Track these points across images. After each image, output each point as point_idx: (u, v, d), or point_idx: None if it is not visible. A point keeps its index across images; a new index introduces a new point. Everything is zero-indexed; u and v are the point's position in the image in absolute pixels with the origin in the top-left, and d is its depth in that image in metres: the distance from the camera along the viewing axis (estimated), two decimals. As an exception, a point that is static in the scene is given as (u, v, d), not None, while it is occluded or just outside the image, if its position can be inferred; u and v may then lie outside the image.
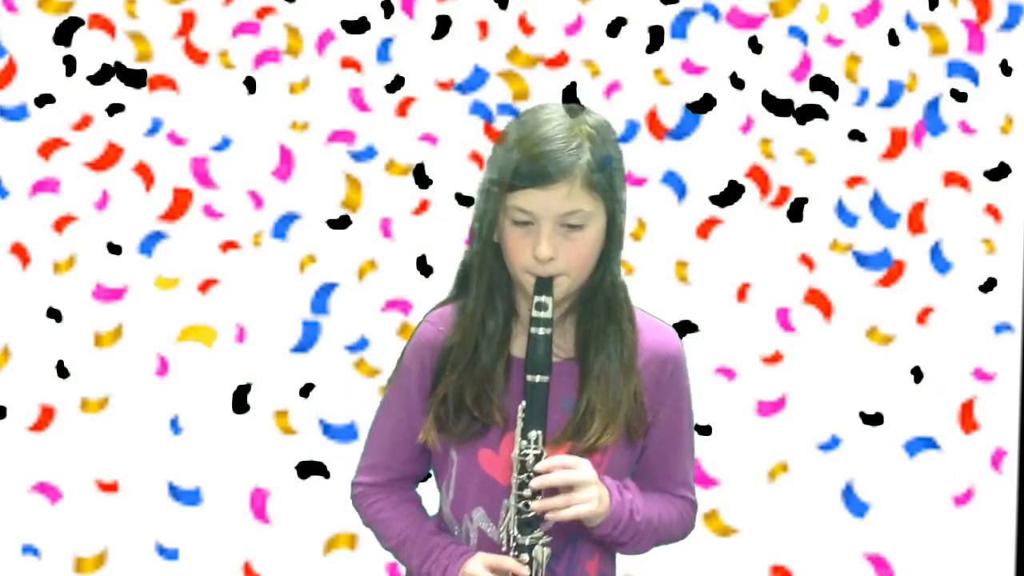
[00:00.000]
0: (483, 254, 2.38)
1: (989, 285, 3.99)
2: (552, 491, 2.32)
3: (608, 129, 2.37)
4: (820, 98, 3.97)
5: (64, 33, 3.91)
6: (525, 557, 2.31)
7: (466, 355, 2.38)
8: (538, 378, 2.30)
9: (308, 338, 3.94)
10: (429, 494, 2.52)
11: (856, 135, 3.98)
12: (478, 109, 3.89)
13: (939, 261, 3.98)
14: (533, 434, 2.30)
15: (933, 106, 3.98)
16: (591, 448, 2.36)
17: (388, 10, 3.95)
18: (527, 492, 2.30)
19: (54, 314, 3.92)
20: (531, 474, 2.29)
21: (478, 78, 3.94)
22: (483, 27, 3.95)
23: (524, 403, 2.31)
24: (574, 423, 2.36)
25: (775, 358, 3.97)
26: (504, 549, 2.33)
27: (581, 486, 2.31)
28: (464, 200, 3.86)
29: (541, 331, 2.30)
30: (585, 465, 2.33)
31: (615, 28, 3.96)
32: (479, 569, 2.33)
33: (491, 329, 2.38)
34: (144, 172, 3.93)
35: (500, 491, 2.36)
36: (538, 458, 2.30)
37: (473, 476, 2.39)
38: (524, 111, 2.41)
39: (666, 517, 2.45)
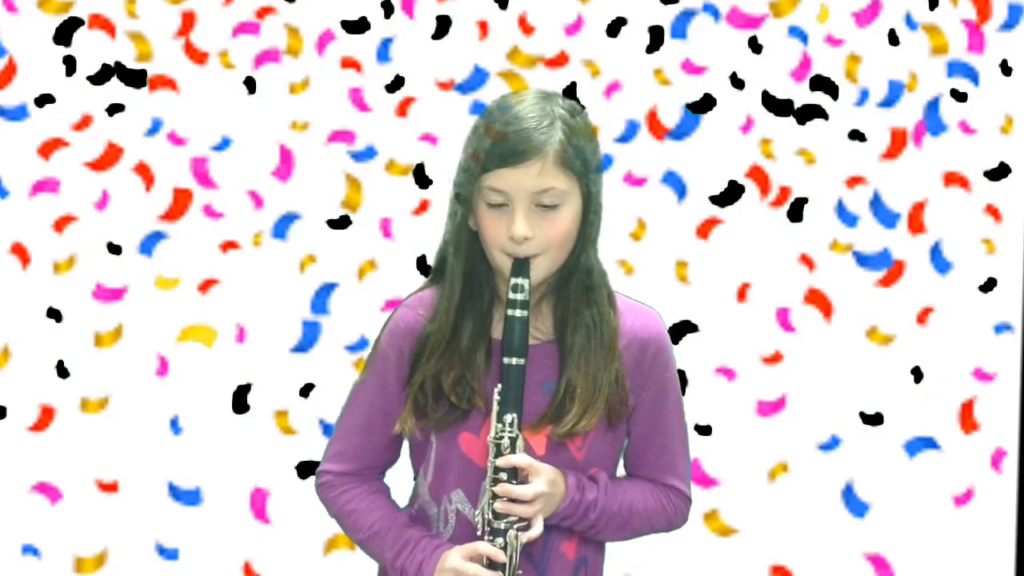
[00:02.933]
0: (459, 238, 2.37)
1: (989, 285, 3.99)
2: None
3: (580, 112, 2.36)
4: (820, 98, 3.97)
5: (64, 33, 3.92)
6: (500, 541, 2.30)
7: (444, 340, 2.36)
8: (514, 361, 2.29)
9: (308, 338, 3.94)
10: (399, 483, 2.50)
11: (856, 135, 3.98)
12: (478, 109, 3.89)
13: (939, 261, 3.98)
14: (509, 417, 2.28)
15: (933, 106, 3.98)
16: (570, 433, 2.35)
17: (388, 10, 3.95)
18: (503, 475, 2.30)
19: (54, 314, 3.92)
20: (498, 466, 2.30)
21: (478, 78, 3.94)
22: (483, 27, 3.96)
23: (500, 386, 2.30)
24: (553, 406, 2.35)
25: (775, 358, 3.97)
26: (479, 532, 2.31)
27: (534, 499, 2.31)
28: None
29: (518, 313, 2.29)
30: (541, 474, 2.32)
31: (615, 28, 3.97)
32: (458, 561, 2.31)
33: (470, 314, 2.37)
34: (144, 172, 3.93)
35: (480, 474, 2.34)
36: (513, 441, 2.29)
37: (453, 459, 2.37)
38: (498, 97, 2.41)
39: (640, 508, 2.43)
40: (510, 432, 2.29)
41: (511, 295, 2.30)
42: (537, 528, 2.31)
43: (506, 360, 2.30)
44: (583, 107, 2.39)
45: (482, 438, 2.35)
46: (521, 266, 2.30)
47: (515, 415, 2.29)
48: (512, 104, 2.34)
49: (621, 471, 2.47)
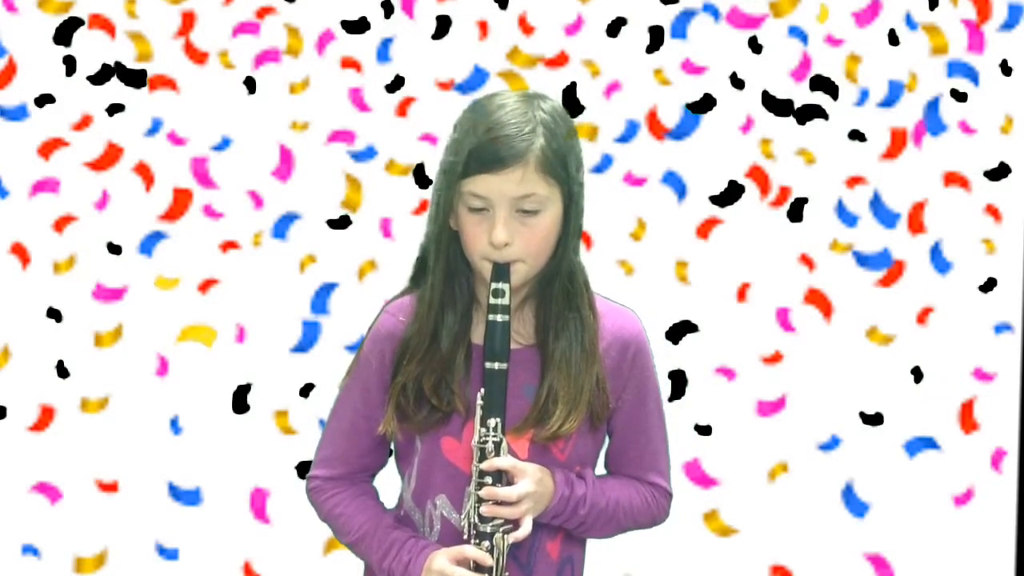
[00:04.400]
0: (439, 242, 2.37)
1: (989, 285, 3.99)
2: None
3: (563, 115, 2.36)
4: (820, 98, 3.97)
5: (64, 33, 3.92)
6: (486, 544, 2.30)
7: (424, 344, 2.36)
8: (496, 365, 2.29)
9: (308, 338, 3.94)
10: (388, 485, 2.51)
11: (856, 135, 3.98)
12: (478, 109, 3.89)
13: (939, 261, 3.98)
14: (492, 421, 2.29)
15: (933, 106, 3.98)
16: (554, 435, 2.35)
17: (388, 10, 3.95)
18: (487, 479, 2.30)
19: (54, 314, 3.92)
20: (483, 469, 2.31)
21: (478, 78, 3.94)
22: (483, 27, 3.95)
23: (483, 390, 2.31)
24: (536, 410, 2.35)
25: (775, 358, 3.97)
26: (465, 536, 2.32)
27: (521, 499, 2.31)
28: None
29: (499, 318, 2.30)
30: (527, 474, 2.32)
31: (615, 28, 3.97)
32: (444, 563, 2.32)
33: (450, 317, 2.37)
34: (144, 172, 3.93)
35: (463, 479, 2.35)
36: (497, 446, 2.30)
37: (436, 464, 2.38)
38: (478, 98, 2.41)
39: (625, 503, 2.43)
40: (494, 436, 2.30)
41: (492, 300, 2.30)
42: (526, 527, 2.32)
43: (488, 365, 2.30)
44: (560, 106, 2.38)
45: (464, 443, 2.36)
46: (501, 271, 2.31)
47: (499, 419, 2.30)
48: (494, 108, 2.33)
49: (600, 470, 2.48)
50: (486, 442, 2.30)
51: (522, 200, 2.30)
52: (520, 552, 2.37)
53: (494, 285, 2.30)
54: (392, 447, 2.47)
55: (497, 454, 2.30)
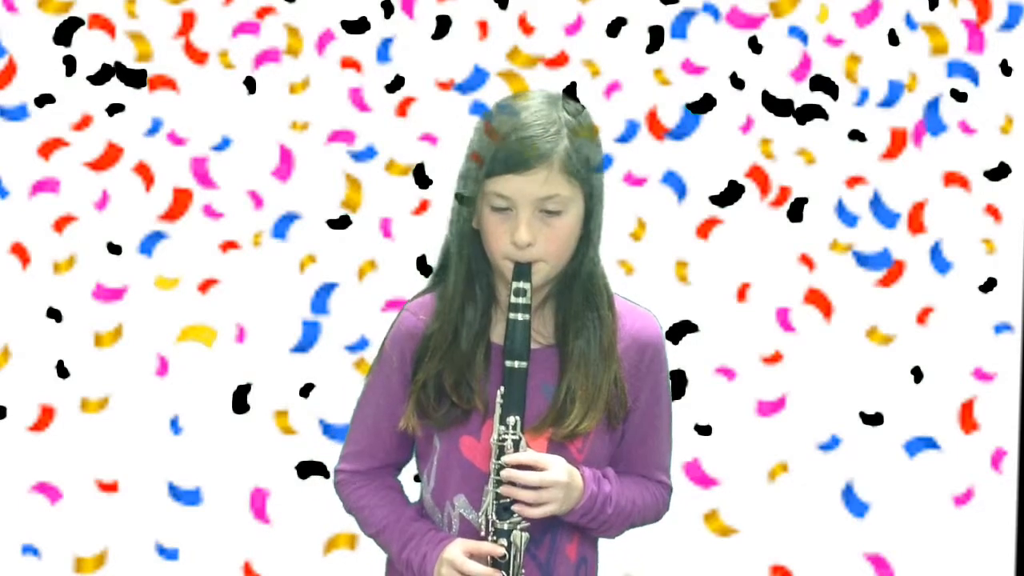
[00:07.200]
0: (462, 241, 2.41)
1: (989, 285, 3.99)
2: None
3: (585, 116, 2.39)
4: (820, 98, 3.97)
5: (64, 33, 3.92)
6: (504, 541, 2.32)
7: (445, 342, 2.39)
8: (516, 364, 2.32)
9: (308, 338, 3.94)
10: (412, 481, 2.53)
11: (856, 135, 3.98)
12: (478, 109, 3.90)
13: (939, 261, 3.98)
14: (511, 419, 2.32)
15: (933, 106, 3.98)
16: (571, 434, 2.38)
17: (388, 10, 3.95)
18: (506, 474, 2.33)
19: (54, 314, 3.92)
20: (503, 465, 2.32)
21: (478, 78, 3.94)
22: (483, 27, 3.96)
23: (502, 389, 2.33)
24: (554, 409, 2.38)
25: (775, 358, 3.97)
26: (483, 534, 2.34)
27: (550, 486, 2.32)
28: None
29: (519, 317, 2.32)
30: (556, 464, 2.34)
31: (615, 28, 3.97)
32: (457, 554, 2.34)
33: (470, 316, 2.40)
34: (144, 172, 3.93)
35: (481, 478, 2.37)
36: (516, 444, 2.32)
37: (454, 463, 2.40)
38: (503, 99, 2.43)
39: (640, 503, 2.46)
40: (513, 434, 2.32)
41: (513, 299, 2.33)
42: (540, 510, 2.33)
43: (508, 363, 2.32)
44: (583, 107, 2.41)
45: (483, 441, 2.38)
46: (523, 270, 2.33)
47: (518, 417, 2.32)
48: (518, 109, 2.36)
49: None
50: (505, 440, 2.32)
51: (545, 201, 2.32)
52: (539, 551, 2.40)
53: (515, 284, 2.33)
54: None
55: (516, 452, 2.32)
